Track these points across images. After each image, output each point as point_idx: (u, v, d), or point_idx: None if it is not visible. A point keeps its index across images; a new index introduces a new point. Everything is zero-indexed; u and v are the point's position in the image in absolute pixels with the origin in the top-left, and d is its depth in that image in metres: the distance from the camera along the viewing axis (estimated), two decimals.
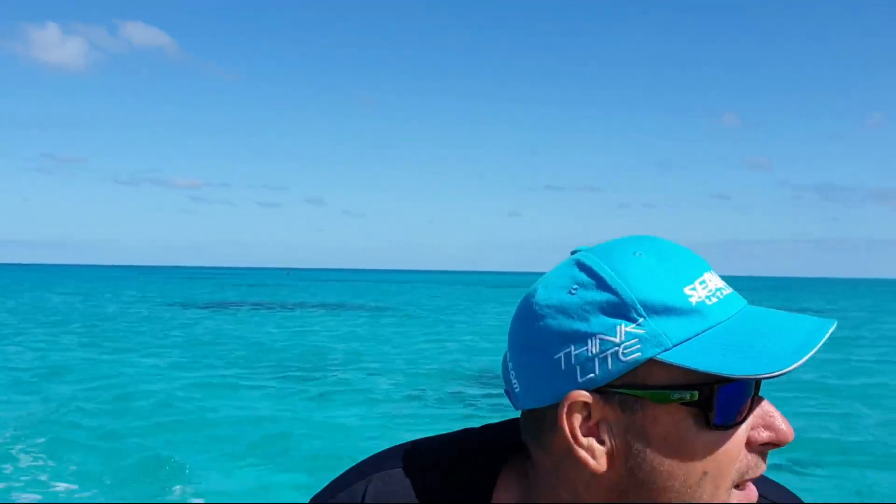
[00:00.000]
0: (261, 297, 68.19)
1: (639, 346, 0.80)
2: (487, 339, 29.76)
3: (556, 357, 0.83)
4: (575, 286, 0.84)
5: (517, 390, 0.87)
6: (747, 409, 0.82)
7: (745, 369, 0.78)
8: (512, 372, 0.88)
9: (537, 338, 0.85)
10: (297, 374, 20.38)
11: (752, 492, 0.85)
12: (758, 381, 0.82)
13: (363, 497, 0.94)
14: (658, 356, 0.80)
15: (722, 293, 0.84)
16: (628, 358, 0.80)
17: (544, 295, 0.86)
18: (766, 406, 0.84)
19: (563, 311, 0.84)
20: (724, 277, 0.89)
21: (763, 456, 0.84)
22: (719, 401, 0.80)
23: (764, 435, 0.83)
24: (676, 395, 0.80)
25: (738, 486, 0.84)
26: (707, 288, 0.83)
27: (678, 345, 0.80)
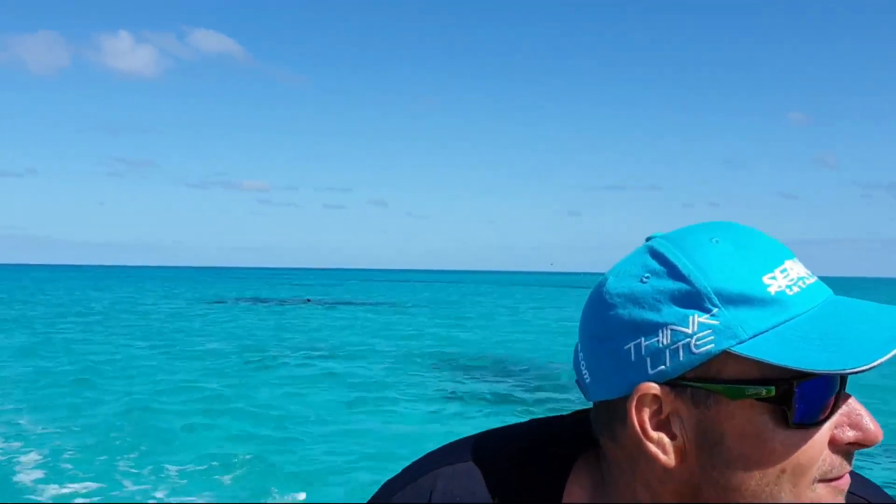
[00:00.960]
0: (342, 295, 70.47)
1: (712, 337, 0.76)
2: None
3: (626, 347, 0.80)
4: (647, 274, 0.81)
5: (587, 381, 0.84)
6: (831, 406, 0.77)
7: (826, 363, 0.72)
8: (583, 363, 0.85)
9: (608, 328, 0.82)
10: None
11: (843, 482, 0.79)
12: (843, 377, 0.77)
13: (432, 492, 0.92)
14: (732, 349, 0.75)
15: (805, 282, 0.79)
16: (700, 350, 0.76)
17: (615, 284, 0.83)
18: (852, 403, 0.78)
19: (633, 300, 0.80)
20: None
21: (848, 456, 0.79)
22: (799, 397, 0.75)
23: (850, 434, 0.77)
24: (751, 391, 0.75)
25: (827, 481, 0.78)
26: (788, 277, 0.78)
27: (754, 337, 0.75)
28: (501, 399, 16.47)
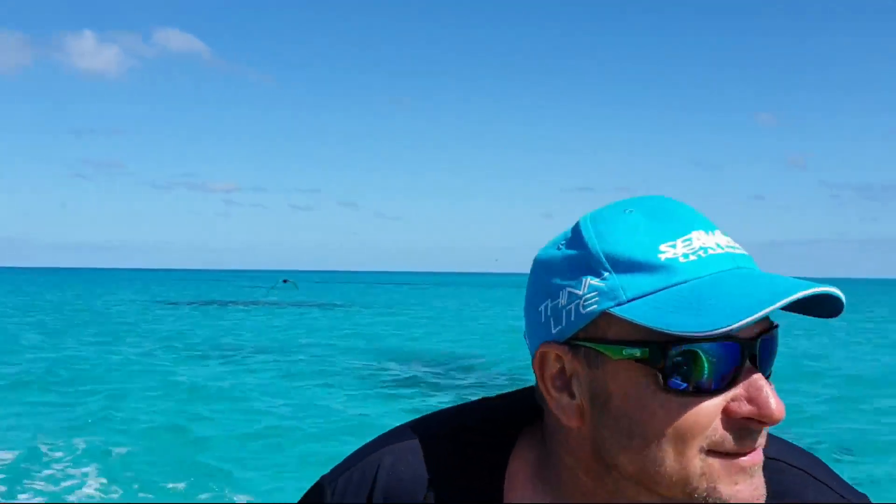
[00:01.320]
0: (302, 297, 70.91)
1: (597, 298, 0.80)
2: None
3: (539, 309, 0.86)
4: (562, 243, 0.87)
5: (529, 346, 0.89)
6: (730, 377, 0.78)
7: (682, 326, 0.75)
8: (525, 329, 0.91)
9: (531, 293, 0.89)
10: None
11: (747, 460, 0.78)
12: (747, 349, 0.78)
13: (378, 467, 0.95)
14: (611, 310, 0.79)
15: (707, 252, 0.80)
16: (587, 310, 0.80)
17: (541, 253, 0.89)
18: (756, 379, 0.78)
19: (547, 265, 0.87)
20: None
21: (747, 433, 0.78)
22: (679, 362, 0.77)
23: (745, 408, 0.77)
24: (627, 351, 0.79)
25: (723, 455, 0.78)
26: (690, 246, 0.80)
27: (634, 300, 0.78)
28: (410, 388, 17.34)
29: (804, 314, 0.81)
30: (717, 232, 0.84)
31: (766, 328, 0.81)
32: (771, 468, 0.86)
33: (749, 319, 0.73)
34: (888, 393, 17.00)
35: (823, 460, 0.95)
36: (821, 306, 0.80)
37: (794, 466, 0.91)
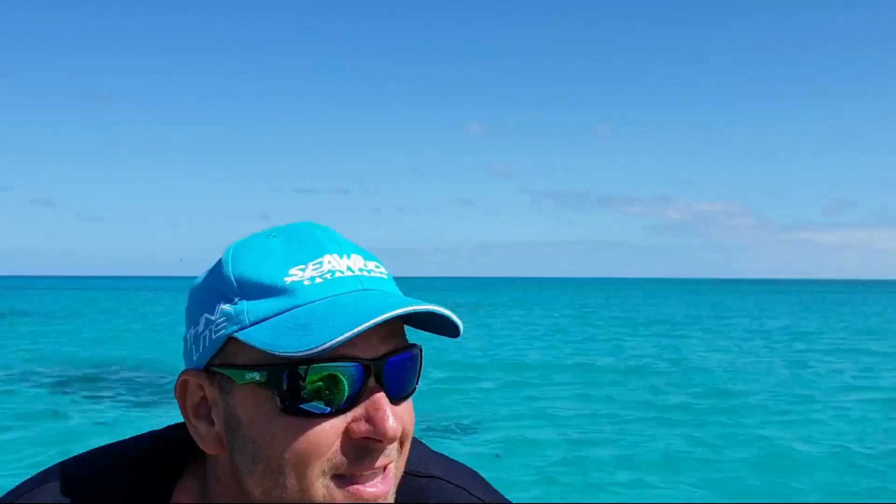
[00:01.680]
0: None
1: (225, 323, 0.82)
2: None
3: (186, 337, 0.88)
4: (210, 269, 0.88)
5: None
6: (353, 398, 0.80)
7: (291, 346, 0.77)
8: None
9: (186, 321, 0.89)
10: None
11: (367, 490, 0.82)
12: (371, 369, 0.81)
13: None
14: (236, 334, 0.81)
15: (333, 275, 0.82)
16: (217, 336, 0.82)
17: (194, 281, 0.90)
18: (376, 399, 0.81)
19: (193, 293, 0.89)
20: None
21: (367, 452, 0.81)
22: (296, 384, 0.79)
23: (363, 427, 0.81)
24: (249, 376, 0.80)
25: (346, 478, 0.81)
26: (319, 270, 0.82)
27: (255, 324, 0.80)
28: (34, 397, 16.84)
29: (436, 333, 0.87)
30: (356, 256, 0.86)
31: (397, 348, 0.84)
32: (434, 487, 0.94)
33: (343, 337, 0.76)
34: (484, 376, 19.54)
35: (481, 474, 1.01)
36: (444, 326, 0.85)
37: (454, 484, 0.96)
